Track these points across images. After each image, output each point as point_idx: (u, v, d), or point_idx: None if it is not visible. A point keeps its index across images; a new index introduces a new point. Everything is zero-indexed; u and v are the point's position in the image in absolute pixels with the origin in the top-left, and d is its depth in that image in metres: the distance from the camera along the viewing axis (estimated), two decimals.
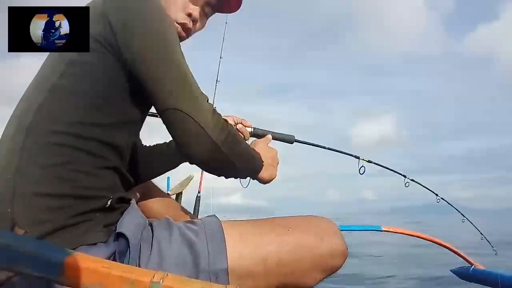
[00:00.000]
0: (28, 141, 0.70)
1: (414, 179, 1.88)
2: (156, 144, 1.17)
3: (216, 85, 2.12)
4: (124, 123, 0.78)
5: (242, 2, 1.01)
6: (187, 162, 1.06)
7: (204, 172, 1.04)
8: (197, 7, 0.91)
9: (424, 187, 1.98)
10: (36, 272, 0.52)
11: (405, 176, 1.87)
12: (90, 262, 0.54)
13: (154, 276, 0.52)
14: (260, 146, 0.96)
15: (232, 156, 0.80)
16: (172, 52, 0.75)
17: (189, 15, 0.89)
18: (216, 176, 0.88)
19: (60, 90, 0.73)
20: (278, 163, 0.99)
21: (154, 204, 1.14)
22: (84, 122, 0.72)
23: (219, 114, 0.80)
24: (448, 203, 2.14)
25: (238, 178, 0.95)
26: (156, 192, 1.18)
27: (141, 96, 0.77)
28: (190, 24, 0.90)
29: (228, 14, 1.05)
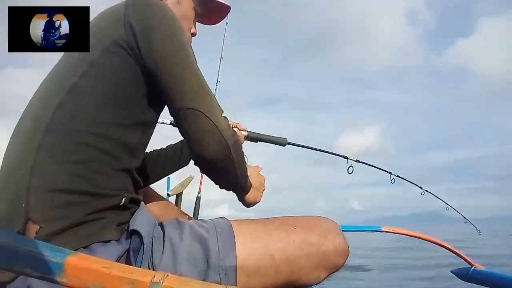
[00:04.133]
0: (47, 138, 0.71)
1: (399, 175, 1.96)
2: (154, 150, 1.19)
3: (216, 85, 2.12)
4: (139, 124, 0.80)
5: (222, 20, 1.15)
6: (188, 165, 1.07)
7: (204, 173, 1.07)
8: (194, 26, 1.06)
9: (409, 181, 2.08)
10: (37, 273, 0.52)
11: (390, 173, 1.95)
12: (90, 262, 0.54)
13: (154, 276, 0.52)
14: (251, 171, 0.98)
15: (237, 162, 0.82)
16: (190, 58, 0.79)
17: (193, 34, 1.04)
18: (214, 183, 0.90)
19: (81, 89, 0.75)
20: (264, 190, 1.02)
21: (152, 207, 1.16)
22: (102, 121, 0.74)
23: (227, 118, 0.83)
24: (433, 194, 2.25)
25: (230, 191, 0.94)
26: (154, 196, 1.19)
27: (155, 100, 0.79)
28: (191, 40, 1.03)
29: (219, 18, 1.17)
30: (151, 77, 0.76)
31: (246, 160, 1.14)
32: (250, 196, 0.96)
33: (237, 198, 0.97)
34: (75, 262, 0.53)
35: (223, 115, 0.81)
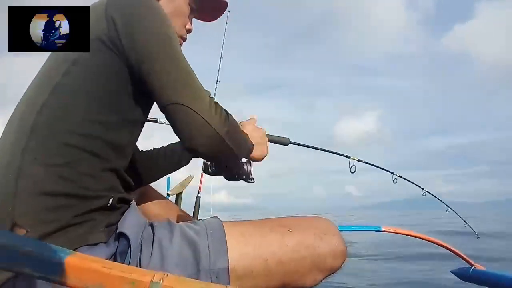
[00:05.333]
0: (32, 141, 0.70)
1: (401, 175, 1.98)
2: (153, 149, 1.18)
3: (216, 85, 2.12)
4: (126, 123, 0.78)
5: (219, 16, 1.12)
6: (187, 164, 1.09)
7: (203, 172, 1.08)
8: (190, 22, 1.03)
9: (411, 182, 2.09)
10: (36, 273, 0.52)
11: (392, 173, 1.95)
12: (91, 262, 0.54)
13: (154, 276, 0.52)
14: (248, 128, 0.97)
15: (234, 146, 0.81)
16: (175, 50, 0.77)
17: (189, 30, 1.02)
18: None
19: (64, 89, 0.73)
20: (267, 141, 1.02)
21: (152, 206, 1.15)
22: (87, 121, 0.73)
23: (221, 106, 0.81)
24: (434, 196, 2.28)
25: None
26: (154, 195, 1.18)
27: (142, 97, 0.78)
28: (186, 36, 1.02)
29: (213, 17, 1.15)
30: (135, 73, 0.74)
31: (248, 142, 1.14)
32: (255, 153, 0.96)
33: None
34: (75, 262, 0.53)
35: (214, 102, 0.79)
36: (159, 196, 1.21)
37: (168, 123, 0.79)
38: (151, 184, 1.20)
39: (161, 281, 0.52)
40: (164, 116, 0.78)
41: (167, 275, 0.53)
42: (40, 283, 0.64)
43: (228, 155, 0.83)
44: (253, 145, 0.94)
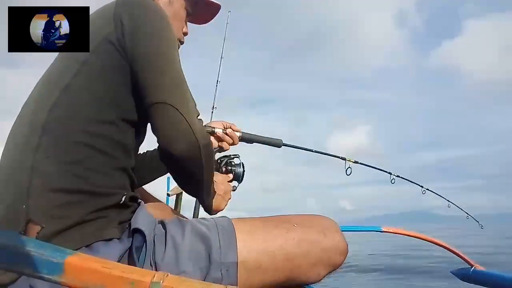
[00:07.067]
0: (44, 139, 0.72)
1: (399, 175, 1.96)
2: (147, 151, 1.18)
3: (216, 85, 2.11)
4: (133, 124, 0.80)
5: (212, 19, 1.16)
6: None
7: None
8: (186, 25, 1.07)
9: (410, 181, 2.07)
10: (37, 273, 0.52)
11: (390, 173, 1.94)
12: (91, 262, 0.54)
13: (154, 276, 0.52)
14: (219, 178, 0.99)
15: (205, 165, 0.80)
16: (174, 58, 0.79)
17: (185, 33, 1.06)
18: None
19: (74, 88, 0.75)
20: (229, 199, 1.02)
21: (148, 209, 1.15)
22: (97, 120, 0.74)
23: (202, 123, 0.82)
24: (434, 192, 2.24)
25: (193, 196, 0.95)
26: (149, 198, 1.19)
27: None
28: (183, 39, 1.06)
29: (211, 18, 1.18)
30: (134, 73, 0.76)
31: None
32: (214, 203, 0.96)
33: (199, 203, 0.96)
34: (75, 262, 0.53)
35: (198, 117, 0.80)
36: (153, 199, 1.21)
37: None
38: (150, 185, 1.20)
39: (161, 281, 0.52)
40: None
41: (167, 275, 0.53)
42: (40, 282, 0.64)
43: (196, 172, 0.81)
44: (215, 192, 0.94)
